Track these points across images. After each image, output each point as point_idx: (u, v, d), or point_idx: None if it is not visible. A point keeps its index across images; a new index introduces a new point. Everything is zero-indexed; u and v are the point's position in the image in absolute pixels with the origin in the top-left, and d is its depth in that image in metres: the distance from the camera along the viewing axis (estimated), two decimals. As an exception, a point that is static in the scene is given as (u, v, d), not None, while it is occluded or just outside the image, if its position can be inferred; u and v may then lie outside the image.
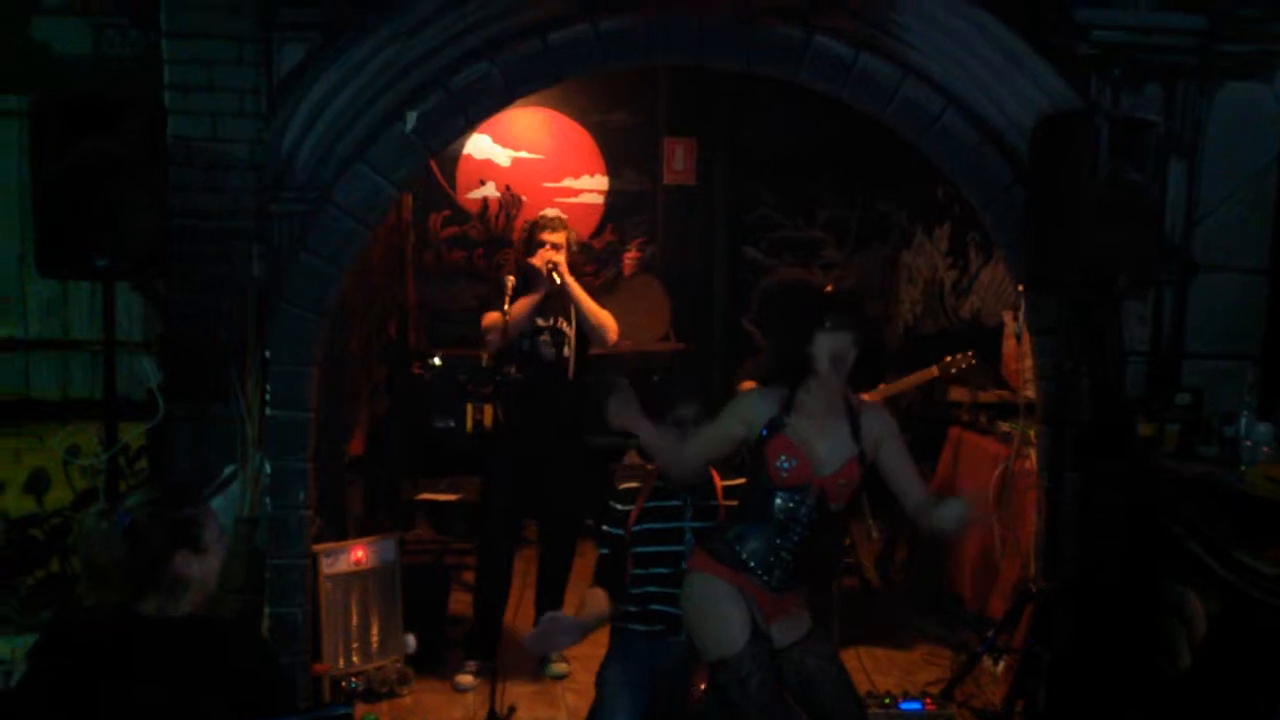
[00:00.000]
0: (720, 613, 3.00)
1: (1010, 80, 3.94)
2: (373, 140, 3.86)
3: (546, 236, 4.51)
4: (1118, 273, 3.66)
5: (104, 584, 2.17)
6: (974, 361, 4.94)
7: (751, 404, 3.10)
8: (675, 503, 3.42)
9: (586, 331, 4.61)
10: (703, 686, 3.25)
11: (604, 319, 4.59)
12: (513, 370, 4.52)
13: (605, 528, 3.49)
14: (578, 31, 3.88)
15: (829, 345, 2.99)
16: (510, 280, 4.48)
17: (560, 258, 4.48)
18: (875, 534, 4.28)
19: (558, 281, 4.46)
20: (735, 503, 3.40)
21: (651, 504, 3.45)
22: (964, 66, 3.96)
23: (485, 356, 5.28)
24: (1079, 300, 3.82)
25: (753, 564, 3.04)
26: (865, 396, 3.44)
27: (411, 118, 3.86)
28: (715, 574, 3.05)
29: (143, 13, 3.95)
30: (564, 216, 4.65)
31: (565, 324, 4.61)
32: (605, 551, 3.47)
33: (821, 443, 3.04)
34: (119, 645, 2.11)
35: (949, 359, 5.04)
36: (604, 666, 3.40)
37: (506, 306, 4.43)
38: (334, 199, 3.88)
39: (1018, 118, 3.97)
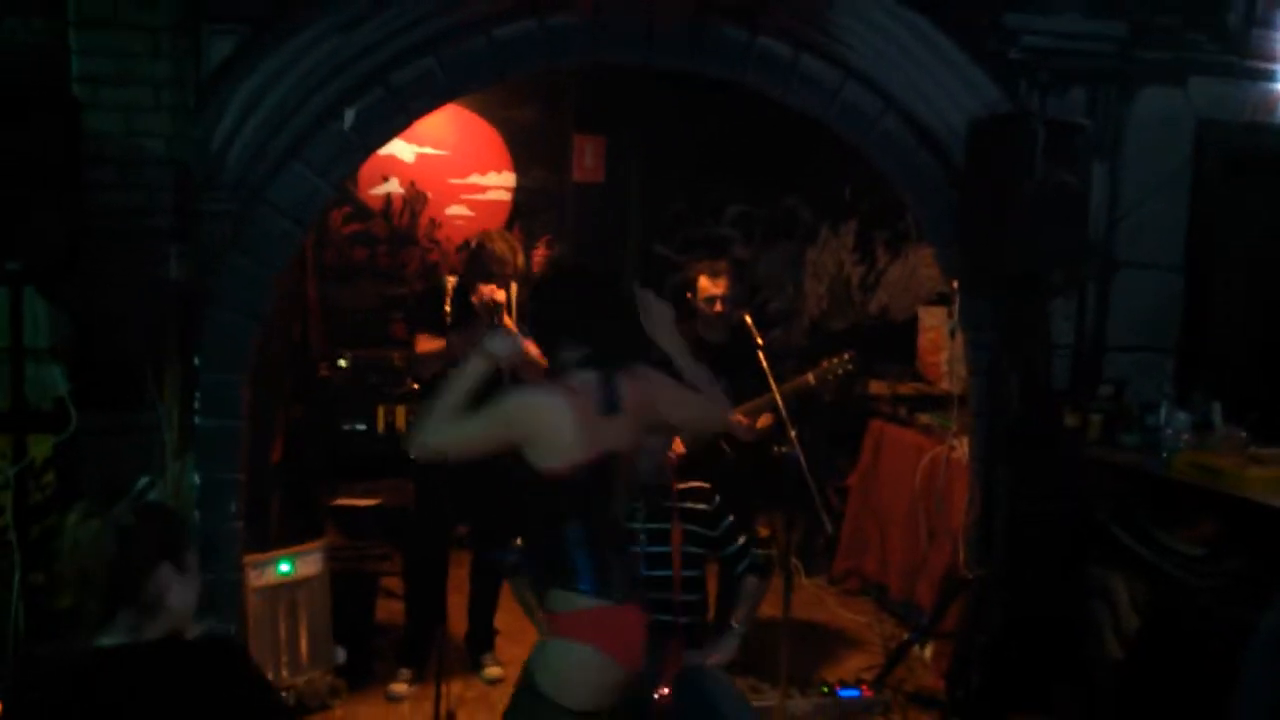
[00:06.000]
0: None
1: (944, 83, 4.03)
2: (309, 138, 3.72)
3: (494, 269, 4.17)
4: (1051, 271, 3.81)
5: (88, 588, 2.08)
6: (851, 367, 4.46)
7: None
8: (629, 505, 3.40)
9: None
10: (667, 690, 3.25)
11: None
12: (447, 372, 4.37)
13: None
14: (523, 27, 3.81)
15: None
16: (451, 280, 4.34)
17: (501, 296, 4.20)
18: (829, 527, 4.30)
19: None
20: (690, 505, 3.41)
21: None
22: (900, 69, 4.04)
23: (412, 381, 4.99)
24: (1013, 297, 3.95)
25: None
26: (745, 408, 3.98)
27: (350, 115, 3.73)
28: None
29: (48, 1, 3.69)
30: (514, 243, 4.32)
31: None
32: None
33: None
34: (99, 688, 2.00)
35: (825, 364, 4.48)
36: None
37: (448, 314, 4.24)
38: (268, 198, 3.72)
39: (950, 119, 4.07)
